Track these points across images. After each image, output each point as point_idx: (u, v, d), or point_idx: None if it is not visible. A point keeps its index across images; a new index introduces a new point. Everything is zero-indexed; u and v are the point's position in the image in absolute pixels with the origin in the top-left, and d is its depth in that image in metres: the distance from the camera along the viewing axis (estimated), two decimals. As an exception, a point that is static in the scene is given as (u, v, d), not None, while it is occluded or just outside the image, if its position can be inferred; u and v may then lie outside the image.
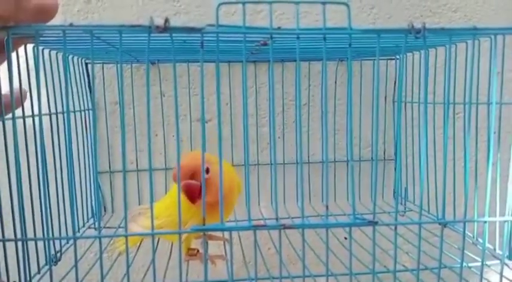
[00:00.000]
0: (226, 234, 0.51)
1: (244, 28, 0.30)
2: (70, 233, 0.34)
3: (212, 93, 0.62)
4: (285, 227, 0.31)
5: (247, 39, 0.31)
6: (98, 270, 0.33)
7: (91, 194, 0.58)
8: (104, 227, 0.58)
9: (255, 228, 0.32)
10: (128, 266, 0.33)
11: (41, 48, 0.42)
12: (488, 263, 0.40)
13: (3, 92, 0.30)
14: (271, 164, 0.64)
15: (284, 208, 0.63)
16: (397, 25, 0.31)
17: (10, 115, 0.31)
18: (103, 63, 0.61)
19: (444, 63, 0.35)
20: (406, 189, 0.63)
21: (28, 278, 0.34)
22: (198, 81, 0.63)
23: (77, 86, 0.56)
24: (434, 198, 0.51)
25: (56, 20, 0.28)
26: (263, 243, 0.63)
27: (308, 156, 0.66)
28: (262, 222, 0.33)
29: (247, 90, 0.63)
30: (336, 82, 0.65)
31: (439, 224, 0.37)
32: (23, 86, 0.33)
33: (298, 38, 0.31)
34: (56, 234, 0.44)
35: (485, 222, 0.37)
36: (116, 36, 0.35)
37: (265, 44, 0.40)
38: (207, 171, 0.42)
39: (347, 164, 0.66)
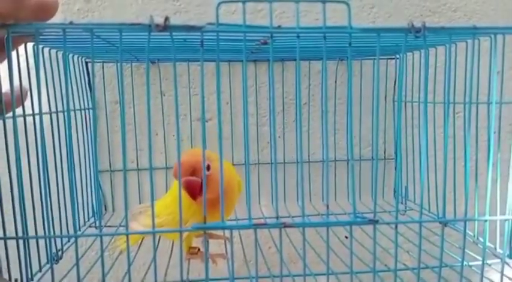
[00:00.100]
0: (227, 233, 0.51)
1: (245, 27, 0.30)
2: (71, 232, 0.34)
3: (212, 93, 0.62)
4: (285, 225, 0.31)
5: (247, 38, 0.31)
6: (99, 269, 0.33)
7: (92, 193, 0.58)
8: (105, 226, 0.58)
9: (256, 226, 0.32)
10: (129, 265, 0.33)
11: (41, 46, 0.42)
12: (489, 261, 0.40)
13: (3, 91, 0.30)
14: (272, 163, 0.64)
15: (284, 207, 0.63)
16: (397, 24, 0.31)
17: (11, 114, 0.31)
18: (103, 62, 0.61)
19: (444, 63, 0.35)
20: (406, 188, 0.63)
21: (30, 276, 0.34)
22: (198, 81, 0.63)
23: (77, 84, 0.56)
24: (434, 197, 0.51)
25: (56, 19, 0.28)
26: (264, 242, 0.63)
27: (308, 156, 0.66)
28: (262, 221, 0.33)
29: (247, 89, 0.63)
30: (336, 81, 0.65)
31: (440, 222, 0.37)
32: (24, 85, 0.33)
33: (298, 37, 0.31)
34: (58, 232, 0.44)
35: (485, 221, 0.37)
36: (116, 35, 0.35)
37: (265, 43, 0.40)
38: (208, 168, 0.42)
39: (347, 163, 0.66)
